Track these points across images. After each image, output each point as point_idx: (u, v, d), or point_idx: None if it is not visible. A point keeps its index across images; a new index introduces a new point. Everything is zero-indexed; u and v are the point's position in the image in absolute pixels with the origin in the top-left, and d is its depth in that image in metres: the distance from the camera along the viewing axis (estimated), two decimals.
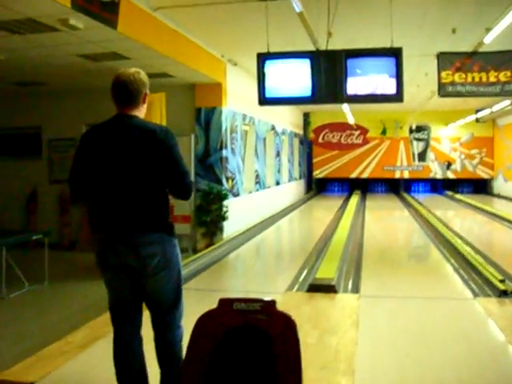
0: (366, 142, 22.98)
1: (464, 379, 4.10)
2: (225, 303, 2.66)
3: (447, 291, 6.94)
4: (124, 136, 3.25)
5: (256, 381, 2.56)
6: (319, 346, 4.65)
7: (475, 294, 6.60)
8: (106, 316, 5.64)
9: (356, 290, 6.89)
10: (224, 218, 10.43)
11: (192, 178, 9.78)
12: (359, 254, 9.20)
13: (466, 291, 6.83)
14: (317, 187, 23.67)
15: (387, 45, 6.91)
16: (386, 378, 4.11)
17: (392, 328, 5.35)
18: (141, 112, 3.39)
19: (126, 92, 3.32)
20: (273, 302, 2.63)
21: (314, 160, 23.30)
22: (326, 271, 7.37)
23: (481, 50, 8.00)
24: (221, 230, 10.44)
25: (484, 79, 7.95)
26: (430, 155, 22.77)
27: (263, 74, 7.12)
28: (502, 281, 6.66)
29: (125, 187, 3.21)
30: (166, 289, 3.32)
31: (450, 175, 22.72)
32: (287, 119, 18.68)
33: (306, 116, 22.81)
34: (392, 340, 4.98)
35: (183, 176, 3.25)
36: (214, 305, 2.86)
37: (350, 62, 6.83)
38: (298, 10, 6.19)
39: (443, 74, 8.10)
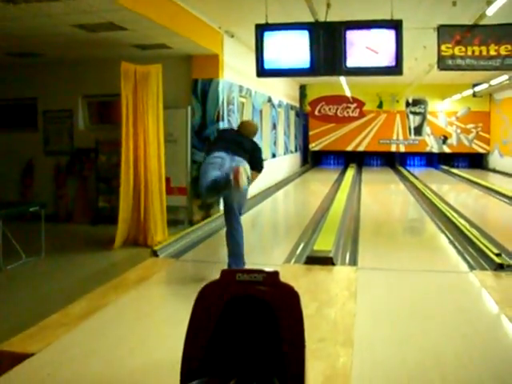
0: (362, 115, 22.90)
1: (460, 350, 4.14)
2: (227, 274, 2.66)
3: (444, 264, 6.99)
4: (244, 139, 6.28)
5: (259, 351, 2.57)
6: (318, 318, 4.69)
7: (471, 267, 6.64)
8: (104, 287, 5.70)
9: (353, 262, 6.93)
10: None
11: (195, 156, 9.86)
12: (356, 226, 9.23)
13: (462, 264, 6.87)
14: (312, 160, 23.63)
15: (386, 17, 6.85)
16: (384, 348, 4.15)
17: (390, 300, 5.39)
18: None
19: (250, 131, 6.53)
20: (276, 273, 2.62)
21: (310, 133, 23.22)
22: (324, 243, 7.39)
23: (481, 23, 7.93)
24: (217, 202, 10.43)
25: (484, 53, 7.89)
26: (426, 129, 22.71)
27: (261, 46, 7.05)
28: (497, 254, 6.70)
29: (243, 150, 6.03)
30: (242, 199, 6.09)
31: (446, 149, 22.69)
32: (283, 91, 18.58)
33: (303, 88, 22.69)
34: (390, 312, 5.03)
35: (261, 160, 6.36)
36: (212, 276, 2.86)
37: (350, 34, 6.77)
38: None
39: (443, 47, 8.02)
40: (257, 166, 6.23)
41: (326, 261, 6.62)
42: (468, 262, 6.89)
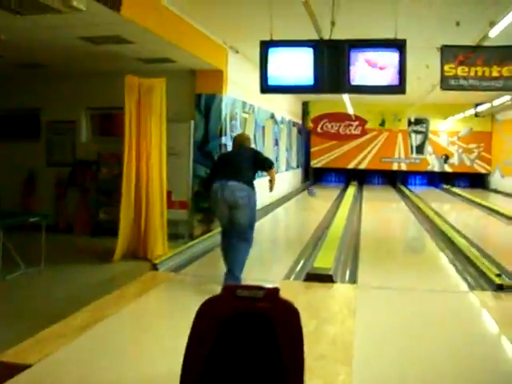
0: (364, 133, 22.97)
1: (459, 369, 4.15)
2: (228, 289, 2.66)
3: (444, 284, 6.98)
4: (242, 151, 6.76)
5: (258, 367, 2.56)
6: (317, 335, 4.68)
7: (471, 287, 6.63)
8: (104, 300, 5.69)
9: (353, 280, 6.91)
10: None
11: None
12: (356, 244, 9.23)
13: (462, 284, 6.87)
14: (314, 177, 23.65)
15: (390, 36, 6.88)
16: (384, 367, 4.14)
17: (389, 318, 5.38)
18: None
19: (246, 143, 7.00)
20: (276, 290, 2.62)
21: (312, 149, 23.28)
22: (324, 261, 7.39)
23: (485, 44, 7.97)
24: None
25: (487, 74, 7.93)
26: (428, 148, 22.77)
27: (265, 62, 7.08)
28: (498, 275, 6.69)
29: (240, 166, 6.45)
30: (246, 216, 6.32)
31: (448, 169, 22.74)
32: (286, 108, 18.64)
33: (305, 105, 22.77)
34: (389, 330, 5.02)
35: (266, 160, 6.83)
36: (212, 291, 2.86)
37: (354, 53, 6.81)
38: None
39: (446, 67, 8.07)
40: (265, 165, 6.71)
41: (325, 278, 6.62)
42: (468, 282, 6.89)
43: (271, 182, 6.73)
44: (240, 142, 6.95)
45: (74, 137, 11.00)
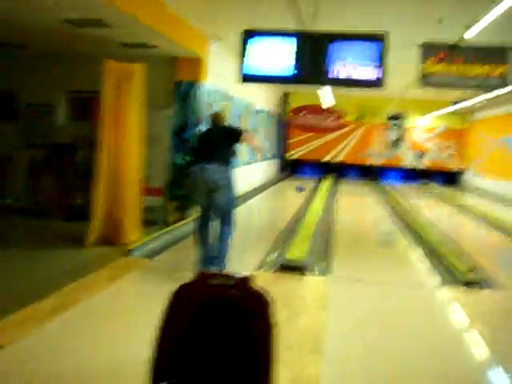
0: (342, 126, 23.05)
1: (428, 363, 4.20)
2: (200, 277, 2.65)
3: (415, 278, 7.07)
4: (218, 131, 6.77)
5: (229, 356, 2.57)
6: (288, 326, 4.70)
7: (442, 282, 6.71)
8: (76, 285, 5.67)
9: (326, 272, 6.95)
10: None
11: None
12: (330, 237, 9.27)
13: (433, 279, 6.95)
14: (290, 168, 23.68)
15: (372, 30, 6.91)
16: (353, 358, 4.18)
17: (360, 311, 5.43)
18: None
19: (221, 122, 6.95)
20: (248, 278, 2.62)
21: (289, 141, 23.31)
22: (297, 252, 7.42)
23: (465, 42, 8.03)
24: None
25: (466, 72, 8.02)
26: (404, 144, 22.93)
27: (246, 51, 7.08)
28: (468, 270, 6.78)
29: (218, 147, 6.52)
30: (226, 197, 6.40)
31: (423, 165, 22.92)
32: (265, 98, 18.63)
33: (285, 96, 22.78)
34: (359, 323, 5.06)
35: (235, 129, 7.02)
36: (185, 278, 2.86)
37: (335, 45, 6.83)
38: None
39: (426, 63, 8.14)
40: (236, 135, 6.78)
41: (298, 269, 6.65)
42: (439, 277, 6.97)
43: (248, 142, 7.31)
44: (215, 120, 6.98)
45: (52, 119, 10.86)
